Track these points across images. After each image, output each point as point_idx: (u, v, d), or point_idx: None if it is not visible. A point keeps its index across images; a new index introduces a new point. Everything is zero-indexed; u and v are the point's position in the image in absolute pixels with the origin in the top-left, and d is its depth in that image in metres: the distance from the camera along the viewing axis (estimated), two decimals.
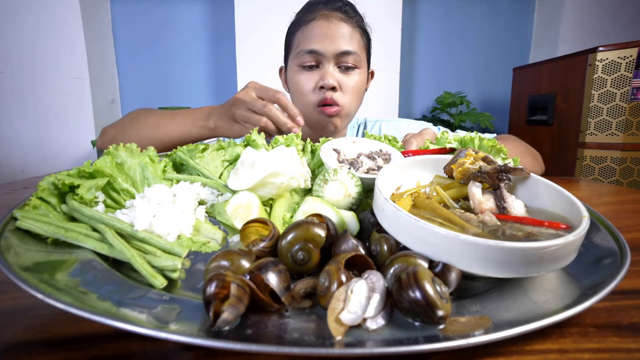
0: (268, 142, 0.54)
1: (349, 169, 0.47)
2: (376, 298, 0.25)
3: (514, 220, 0.35)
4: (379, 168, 0.48)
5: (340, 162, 0.49)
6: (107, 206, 0.40)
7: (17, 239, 0.32)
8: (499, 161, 0.46)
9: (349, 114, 0.89)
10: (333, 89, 0.82)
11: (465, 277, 0.29)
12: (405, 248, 0.31)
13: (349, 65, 0.84)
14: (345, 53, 0.82)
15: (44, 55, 2.08)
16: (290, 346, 0.21)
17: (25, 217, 0.33)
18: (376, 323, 0.24)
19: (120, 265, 0.33)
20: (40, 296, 0.24)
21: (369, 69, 0.95)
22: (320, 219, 0.34)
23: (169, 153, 0.51)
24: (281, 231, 0.33)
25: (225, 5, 2.26)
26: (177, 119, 0.78)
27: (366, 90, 0.98)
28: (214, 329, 0.23)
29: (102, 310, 0.24)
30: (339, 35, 0.82)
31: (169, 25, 2.39)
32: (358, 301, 0.25)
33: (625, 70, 1.65)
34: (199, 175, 0.49)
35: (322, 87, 0.82)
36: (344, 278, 0.26)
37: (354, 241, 0.32)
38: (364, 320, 0.24)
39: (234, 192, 0.43)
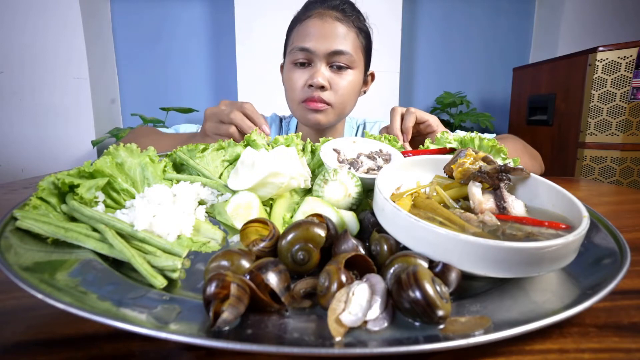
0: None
1: (349, 169, 0.47)
2: (377, 301, 0.25)
3: (514, 220, 0.35)
4: (379, 168, 0.48)
5: (340, 162, 0.49)
6: (107, 206, 0.40)
7: (17, 239, 0.32)
8: (499, 161, 0.46)
9: (339, 114, 0.88)
10: (322, 87, 0.82)
11: (465, 277, 0.29)
12: (405, 248, 0.31)
13: (342, 65, 0.83)
14: (337, 53, 0.82)
15: (44, 55, 2.08)
16: (290, 346, 0.21)
17: (25, 217, 0.33)
18: (378, 325, 0.24)
19: (120, 265, 0.33)
20: (40, 296, 0.24)
21: (367, 70, 0.93)
22: (320, 219, 0.34)
23: (169, 153, 0.51)
24: (281, 231, 0.33)
25: (225, 5, 2.26)
26: (165, 141, 0.82)
27: (365, 92, 0.98)
28: (214, 329, 0.23)
29: (102, 310, 0.24)
30: (332, 35, 0.82)
31: (169, 25, 2.39)
32: (359, 303, 0.25)
33: (625, 70, 1.65)
34: (199, 175, 0.49)
35: (311, 86, 0.82)
36: (344, 278, 0.26)
37: (354, 241, 0.32)
38: (365, 322, 0.24)
39: (234, 192, 0.43)
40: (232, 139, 0.54)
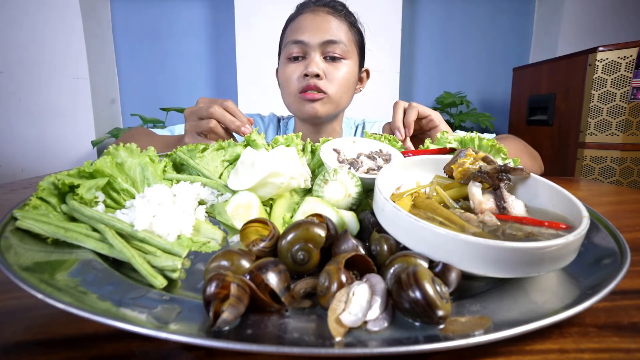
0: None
1: (349, 169, 0.47)
2: (377, 301, 0.25)
3: (514, 220, 0.35)
4: (379, 168, 0.48)
5: (340, 162, 0.49)
6: (107, 206, 0.40)
7: (17, 239, 0.32)
8: (499, 161, 0.46)
9: (337, 104, 0.88)
10: (317, 76, 0.82)
11: (465, 277, 0.29)
12: (405, 248, 0.31)
13: (336, 55, 0.84)
14: (331, 42, 0.83)
15: (43, 55, 2.08)
16: (290, 346, 0.21)
17: (25, 217, 0.33)
18: (378, 325, 0.24)
19: (120, 265, 0.33)
20: (40, 296, 0.24)
21: (361, 66, 0.94)
22: (320, 219, 0.34)
23: (169, 153, 0.51)
24: (281, 231, 0.33)
25: (225, 4, 2.26)
26: (157, 143, 0.82)
27: (360, 90, 0.98)
28: (214, 329, 0.23)
29: (102, 310, 0.24)
30: (324, 26, 0.83)
31: (169, 25, 2.39)
32: (359, 303, 0.25)
33: (625, 70, 1.65)
34: (199, 175, 0.49)
35: (306, 75, 0.83)
36: (344, 278, 0.26)
37: (354, 241, 0.32)
38: (365, 322, 0.24)
39: (234, 192, 0.43)
40: (230, 140, 0.54)
